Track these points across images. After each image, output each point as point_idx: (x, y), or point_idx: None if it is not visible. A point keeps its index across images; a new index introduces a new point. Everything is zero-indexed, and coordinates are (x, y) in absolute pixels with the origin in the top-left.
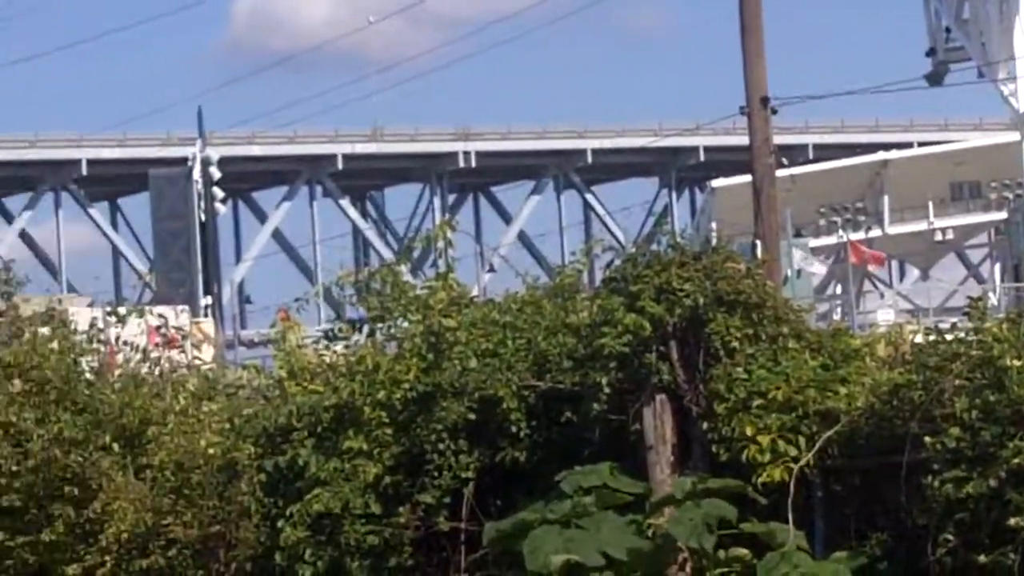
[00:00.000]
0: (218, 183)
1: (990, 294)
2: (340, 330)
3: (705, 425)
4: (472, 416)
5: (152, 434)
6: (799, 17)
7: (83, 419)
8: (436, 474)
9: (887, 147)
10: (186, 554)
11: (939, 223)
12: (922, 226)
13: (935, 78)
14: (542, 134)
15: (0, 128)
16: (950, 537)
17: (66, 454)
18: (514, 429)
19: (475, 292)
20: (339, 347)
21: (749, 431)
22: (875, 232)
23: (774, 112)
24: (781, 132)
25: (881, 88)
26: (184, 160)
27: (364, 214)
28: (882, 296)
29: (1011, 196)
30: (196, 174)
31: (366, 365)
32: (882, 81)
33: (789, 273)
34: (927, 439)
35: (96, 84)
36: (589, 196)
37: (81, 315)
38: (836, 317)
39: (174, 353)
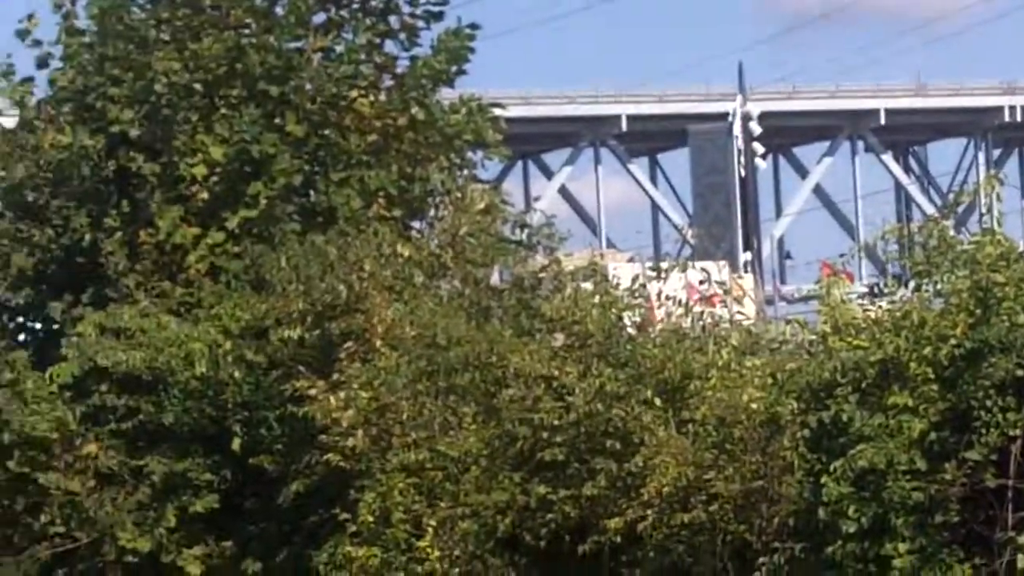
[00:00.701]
0: (758, 138)
1: None
2: (885, 285)
3: None
4: (1021, 372)
5: (694, 388)
6: None
7: (625, 373)
8: (983, 431)
9: None
10: (727, 509)
11: None
12: None
13: None
14: None
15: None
16: None
17: (608, 408)
18: None
19: (1022, 247)
20: (883, 303)
21: None
22: None
23: None
24: None
25: None
26: (724, 115)
27: (907, 169)
28: None
29: None
30: (736, 129)
31: (911, 320)
32: None
33: None
34: None
35: (634, 39)
36: None
37: (622, 270)
38: None
39: (715, 308)
